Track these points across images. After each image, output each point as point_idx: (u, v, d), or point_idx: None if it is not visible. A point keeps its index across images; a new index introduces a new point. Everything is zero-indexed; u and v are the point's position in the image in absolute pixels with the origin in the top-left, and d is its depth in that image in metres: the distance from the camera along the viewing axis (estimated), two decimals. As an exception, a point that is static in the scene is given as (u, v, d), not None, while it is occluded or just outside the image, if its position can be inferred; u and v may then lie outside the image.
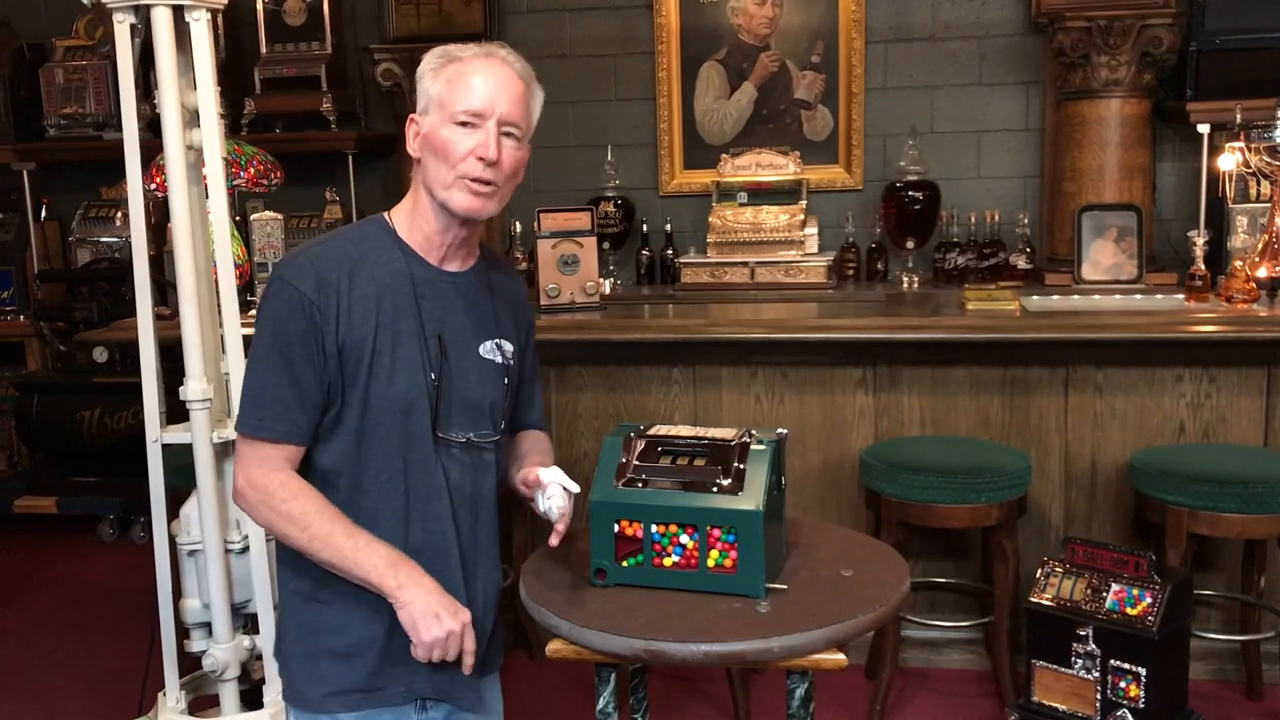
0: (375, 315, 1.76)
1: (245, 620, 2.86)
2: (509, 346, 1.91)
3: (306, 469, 1.81)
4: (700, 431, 1.99)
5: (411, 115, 1.81)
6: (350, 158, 4.93)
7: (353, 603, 1.79)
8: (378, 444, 1.78)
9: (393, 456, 1.79)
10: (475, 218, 1.79)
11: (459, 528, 1.84)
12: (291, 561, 1.83)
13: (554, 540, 1.86)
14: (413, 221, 1.82)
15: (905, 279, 4.41)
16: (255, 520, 1.83)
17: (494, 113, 1.74)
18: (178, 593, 2.87)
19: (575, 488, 1.87)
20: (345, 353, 1.74)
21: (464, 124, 1.74)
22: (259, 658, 2.85)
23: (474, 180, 1.75)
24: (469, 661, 1.78)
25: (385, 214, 1.87)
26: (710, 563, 1.86)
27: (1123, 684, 2.73)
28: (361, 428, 1.77)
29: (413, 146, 1.81)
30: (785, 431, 2.00)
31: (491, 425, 1.88)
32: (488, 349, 1.87)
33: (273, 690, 2.80)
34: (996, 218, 4.45)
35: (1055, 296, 3.85)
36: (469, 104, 1.74)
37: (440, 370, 1.79)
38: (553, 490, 1.85)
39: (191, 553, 2.82)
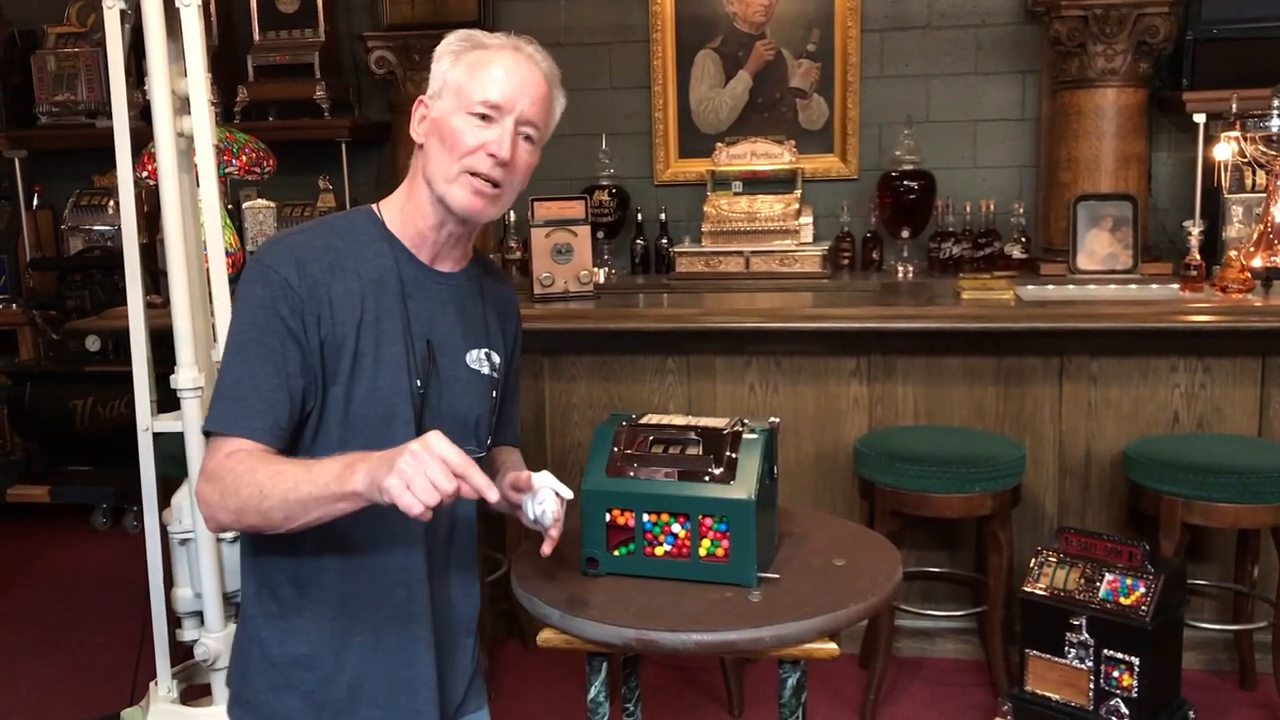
0: (359, 312, 1.60)
1: (237, 609, 2.84)
2: (496, 358, 1.76)
3: None
4: (692, 420, 1.98)
5: (421, 97, 1.64)
6: (343, 146, 4.92)
7: (320, 627, 1.66)
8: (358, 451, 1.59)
9: None
10: (473, 219, 1.64)
11: (429, 546, 1.69)
12: (256, 581, 1.69)
13: (546, 549, 1.68)
14: (405, 214, 1.66)
15: (900, 268, 4.41)
16: (224, 526, 1.56)
17: (514, 109, 1.59)
18: (169, 582, 2.86)
19: (569, 494, 1.69)
20: (326, 349, 1.58)
21: (480, 116, 1.58)
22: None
23: (478, 177, 1.59)
24: (477, 482, 1.42)
25: (374, 206, 1.70)
26: (702, 552, 1.85)
27: (1116, 673, 2.73)
28: (343, 434, 1.60)
29: (417, 131, 1.64)
30: (778, 420, 2.00)
31: (476, 441, 1.71)
32: (475, 359, 1.72)
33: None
34: (992, 207, 4.46)
35: (1050, 286, 3.84)
36: (489, 95, 1.58)
37: (426, 377, 1.64)
38: (544, 495, 1.68)
39: (183, 542, 2.82)
